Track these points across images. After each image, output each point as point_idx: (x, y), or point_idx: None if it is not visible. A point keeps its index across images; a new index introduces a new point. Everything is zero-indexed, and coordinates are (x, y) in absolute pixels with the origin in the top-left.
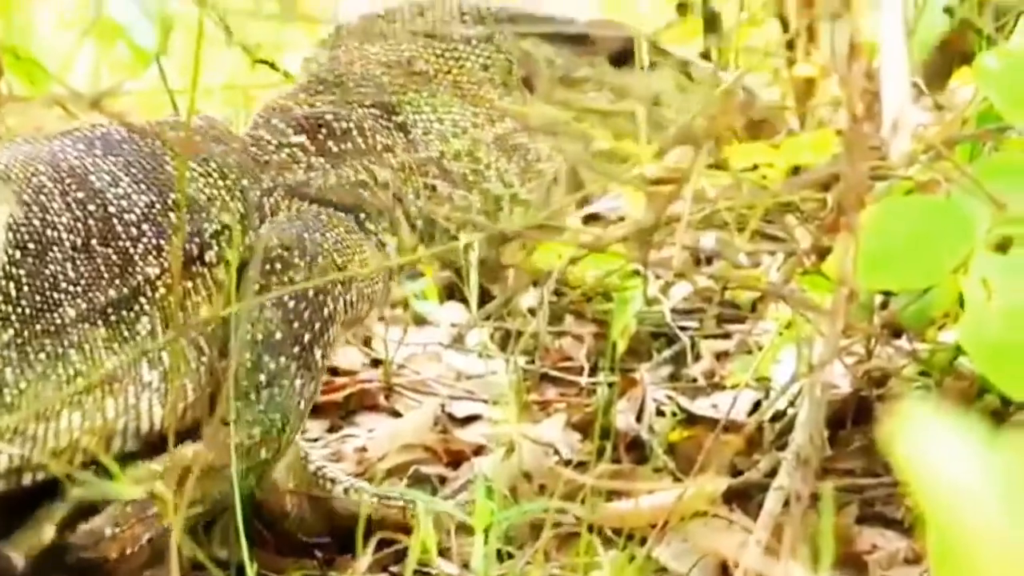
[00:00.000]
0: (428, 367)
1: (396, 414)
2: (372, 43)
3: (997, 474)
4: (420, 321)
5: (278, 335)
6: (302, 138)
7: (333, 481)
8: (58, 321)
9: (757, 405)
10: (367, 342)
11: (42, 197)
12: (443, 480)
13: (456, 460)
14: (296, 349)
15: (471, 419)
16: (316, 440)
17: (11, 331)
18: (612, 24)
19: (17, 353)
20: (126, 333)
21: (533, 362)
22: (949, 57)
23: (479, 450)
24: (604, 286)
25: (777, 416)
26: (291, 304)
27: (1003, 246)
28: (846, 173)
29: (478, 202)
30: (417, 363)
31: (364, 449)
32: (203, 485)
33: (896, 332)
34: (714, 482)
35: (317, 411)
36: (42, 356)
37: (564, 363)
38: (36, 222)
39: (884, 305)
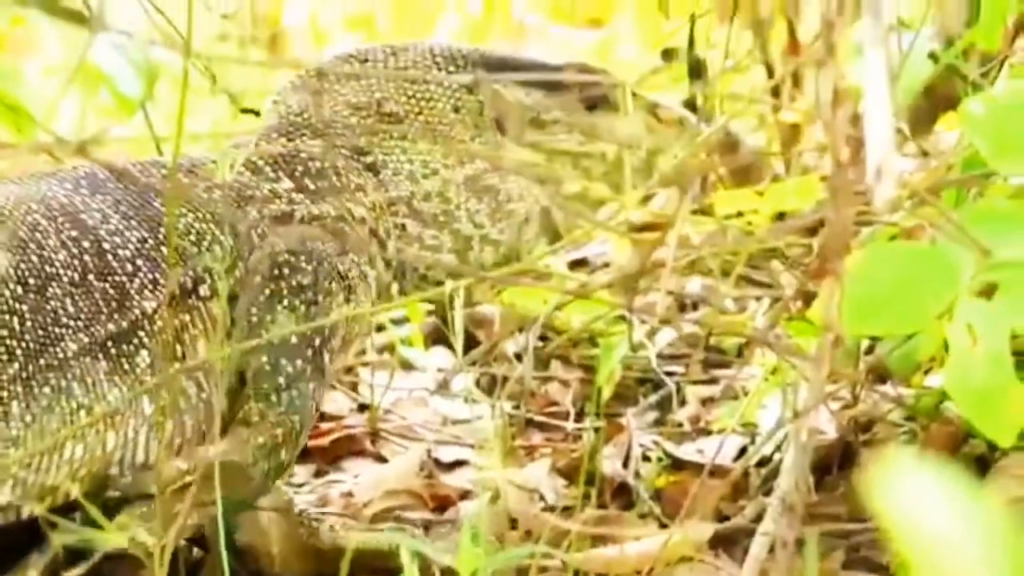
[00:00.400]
0: (414, 412)
1: (382, 459)
2: (342, 85)
3: (976, 523)
4: (406, 366)
5: (293, 339)
6: (281, 175)
7: (318, 522)
8: (60, 355)
9: (743, 451)
10: (354, 387)
11: (38, 235)
12: (429, 525)
13: (442, 505)
14: (309, 353)
15: (457, 464)
16: (302, 485)
17: (16, 365)
18: (584, 67)
19: (23, 387)
20: (126, 366)
21: (519, 407)
22: (934, 102)
23: (465, 495)
24: (590, 332)
25: (763, 461)
26: (302, 310)
27: (988, 292)
28: (831, 219)
29: (449, 242)
30: (403, 408)
31: (350, 494)
32: (229, 485)
33: (882, 377)
34: (700, 528)
35: (304, 456)
36: (47, 389)
37: (550, 408)
38: (34, 259)
39: (870, 350)
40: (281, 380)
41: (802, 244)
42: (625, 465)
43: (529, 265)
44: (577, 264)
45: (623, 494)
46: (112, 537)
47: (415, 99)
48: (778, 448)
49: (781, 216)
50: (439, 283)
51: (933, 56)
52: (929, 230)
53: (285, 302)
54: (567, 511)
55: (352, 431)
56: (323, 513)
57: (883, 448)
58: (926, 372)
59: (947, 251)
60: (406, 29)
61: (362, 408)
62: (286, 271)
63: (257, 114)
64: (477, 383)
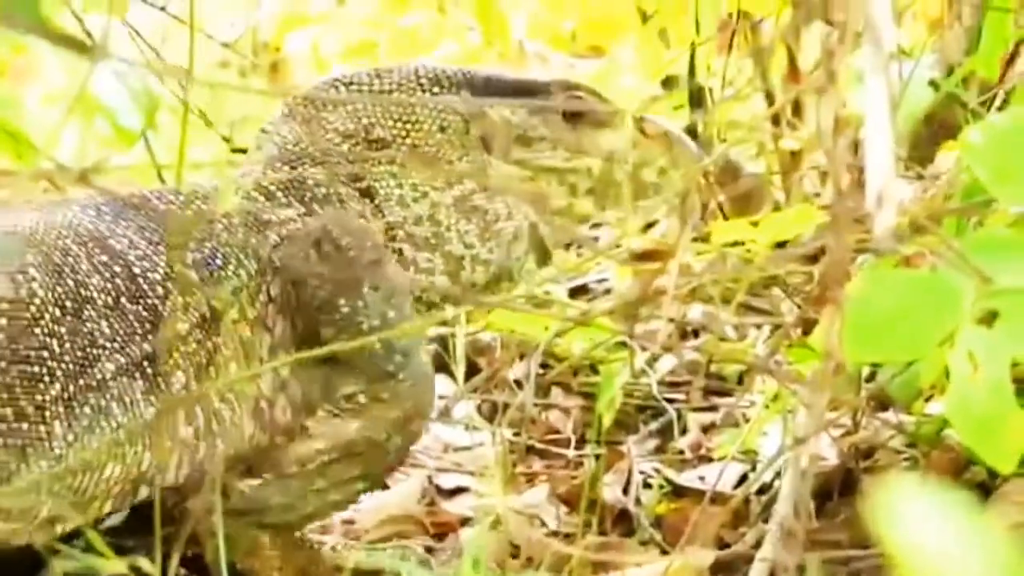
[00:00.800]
0: None
1: (383, 486)
2: (330, 112)
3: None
4: None
5: (391, 313)
6: (292, 201)
7: (319, 545)
8: (99, 376)
9: (744, 478)
10: None
11: (70, 259)
12: (430, 551)
13: (443, 532)
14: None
15: (458, 491)
16: None
17: (58, 386)
18: (568, 84)
19: (64, 407)
20: (162, 386)
21: (520, 434)
22: (935, 130)
23: (466, 522)
24: (591, 359)
25: (764, 489)
26: (383, 283)
27: (988, 320)
28: (831, 246)
29: (441, 264)
30: None
31: (351, 521)
32: (367, 462)
33: (883, 404)
34: (701, 555)
35: None
36: (87, 409)
37: (551, 436)
38: (70, 283)
39: (871, 377)
40: (398, 357)
41: (802, 272)
42: (626, 492)
43: (528, 291)
44: (578, 291)
45: (624, 521)
46: (113, 563)
47: (401, 122)
48: (779, 475)
49: (782, 244)
50: (431, 305)
51: (933, 84)
52: (930, 257)
53: (368, 287)
54: (568, 538)
55: None
56: (324, 539)
57: (884, 475)
58: (927, 399)
59: (948, 278)
60: (406, 57)
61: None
62: (327, 248)
63: (244, 151)
64: (478, 410)
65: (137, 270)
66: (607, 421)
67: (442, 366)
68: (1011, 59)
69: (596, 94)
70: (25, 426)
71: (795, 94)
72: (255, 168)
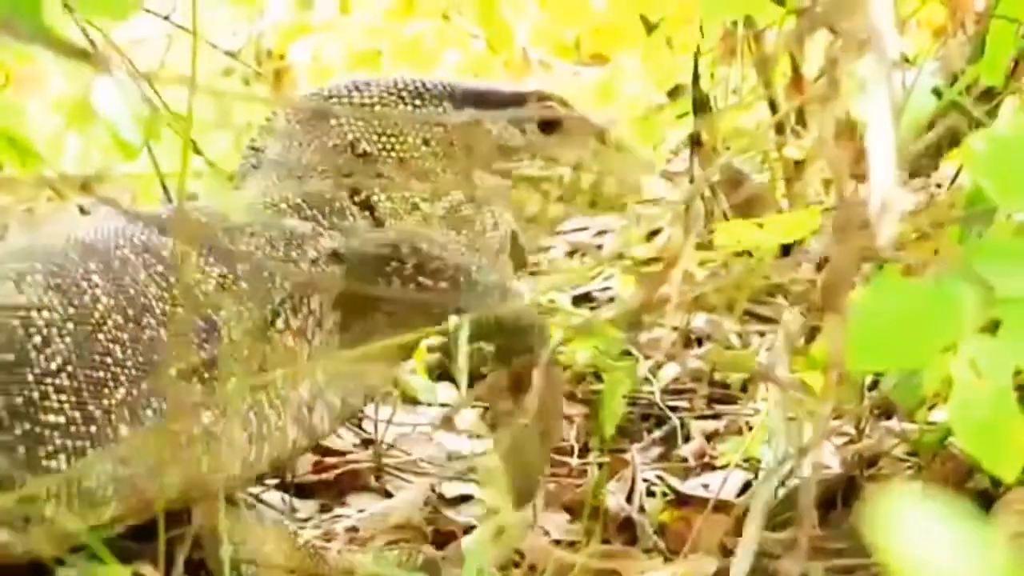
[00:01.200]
0: (419, 447)
1: (387, 494)
2: (317, 126)
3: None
4: (410, 401)
5: (474, 272)
6: (316, 214)
7: (324, 547)
8: (160, 381)
9: (747, 486)
10: (358, 423)
11: (130, 268)
12: (433, 559)
13: (447, 540)
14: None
15: (462, 499)
16: (308, 520)
17: (122, 390)
18: (542, 94)
19: (128, 410)
20: (218, 392)
21: None
22: (938, 138)
23: (469, 530)
24: (594, 367)
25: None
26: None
27: (991, 328)
28: (834, 255)
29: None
30: (407, 443)
31: (355, 529)
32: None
33: (887, 413)
34: (704, 563)
35: (308, 491)
36: (149, 413)
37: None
38: (131, 291)
39: (874, 385)
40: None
41: (806, 280)
42: (629, 500)
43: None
44: (582, 299)
45: (627, 529)
46: (115, 571)
47: (386, 136)
48: (782, 483)
49: (785, 252)
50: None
51: (937, 92)
52: (933, 266)
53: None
54: (572, 546)
55: (357, 466)
56: (328, 546)
57: (887, 483)
58: (931, 407)
59: (951, 287)
60: (410, 65)
61: (366, 443)
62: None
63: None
64: (482, 418)
65: (190, 280)
66: (610, 429)
67: (445, 374)
68: (1015, 67)
69: (565, 103)
70: (93, 429)
71: (799, 102)
72: (261, 181)
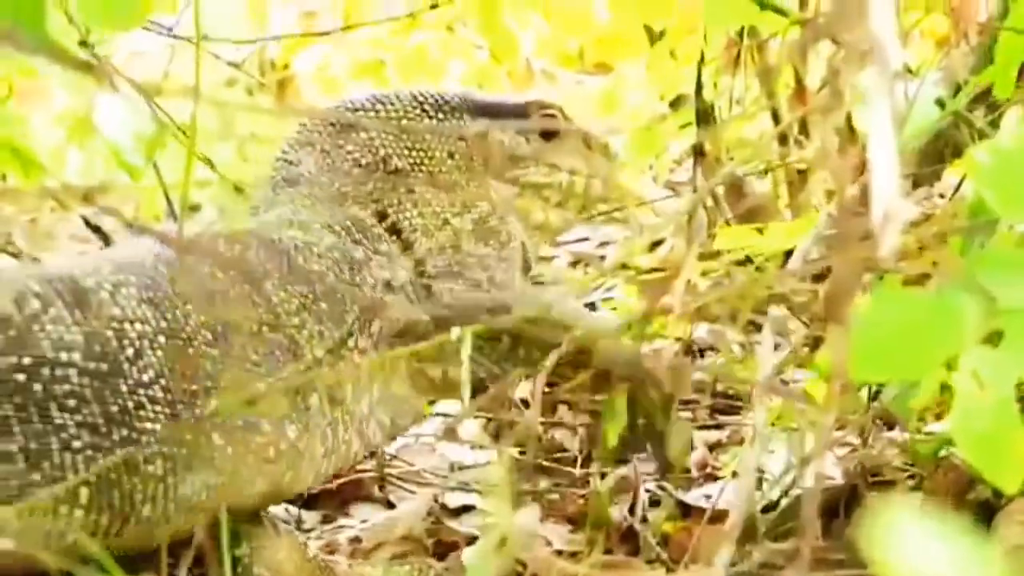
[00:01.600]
0: (422, 458)
1: (390, 505)
2: (348, 139)
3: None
4: None
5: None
6: (361, 239)
7: (332, 561)
8: (249, 395)
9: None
10: None
11: (219, 286)
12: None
13: (449, 551)
14: None
15: (465, 510)
16: (311, 530)
17: (214, 402)
18: (542, 103)
19: (222, 421)
20: (302, 406)
21: (525, 453)
22: (941, 149)
23: (472, 541)
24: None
25: (770, 507)
26: None
27: (993, 339)
28: (837, 265)
29: (462, 291)
30: (411, 454)
31: (358, 540)
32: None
33: (889, 423)
34: (707, 573)
35: (312, 502)
36: (240, 423)
37: (557, 454)
38: (220, 308)
39: (876, 396)
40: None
41: (809, 290)
42: (632, 511)
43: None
44: (585, 308)
45: (630, 539)
46: None
47: (416, 150)
48: (785, 493)
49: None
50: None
51: (940, 102)
52: (935, 277)
53: None
54: (574, 556)
55: (360, 477)
56: (331, 558)
57: (889, 493)
58: (933, 418)
59: (953, 298)
60: (414, 76)
61: (370, 454)
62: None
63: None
64: (484, 428)
65: (275, 300)
66: (614, 439)
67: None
68: (1018, 77)
69: (563, 112)
70: (188, 436)
71: (802, 113)
72: (299, 199)
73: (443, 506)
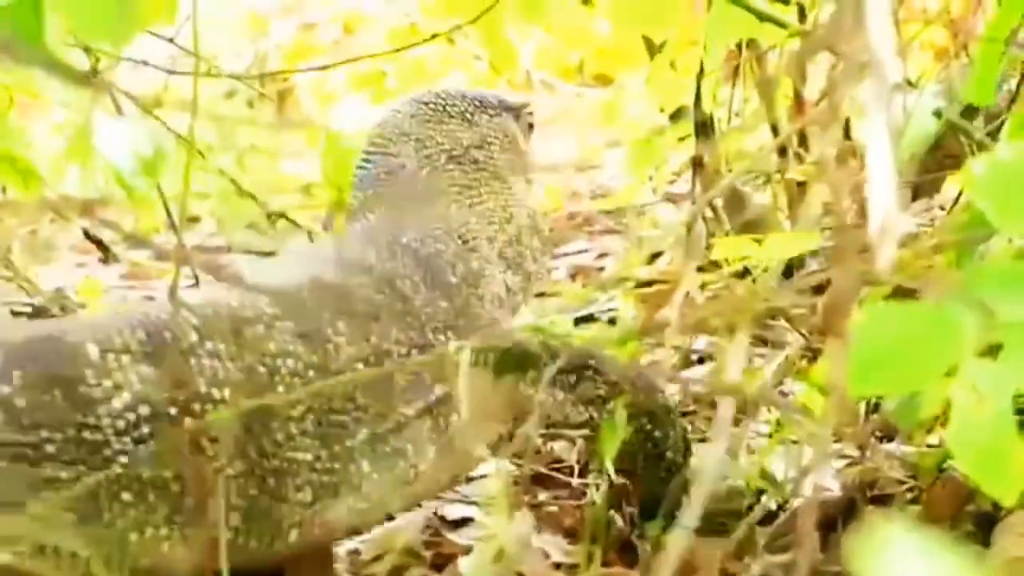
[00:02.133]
0: None
1: (388, 517)
2: (435, 131)
3: None
4: None
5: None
6: (472, 244)
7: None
8: (397, 420)
9: (749, 508)
10: None
11: (372, 309)
12: None
13: (448, 563)
14: None
15: (463, 522)
16: None
17: (364, 431)
18: (525, 103)
19: (370, 449)
20: (442, 425)
21: (524, 464)
22: (940, 160)
23: (471, 552)
24: None
25: (768, 519)
26: None
27: (991, 352)
28: (835, 278)
29: (520, 283)
30: None
31: (357, 552)
32: None
33: (888, 436)
34: None
35: None
36: (387, 450)
37: (555, 465)
38: (374, 339)
39: (875, 408)
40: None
41: (807, 303)
42: (630, 522)
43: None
44: (584, 320)
45: (628, 551)
46: None
47: (486, 144)
48: (783, 506)
49: (788, 275)
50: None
51: (938, 114)
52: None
53: None
54: (572, 569)
55: None
56: None
57: (888, 506)
58: (933, 429)
59: (950, 311)
60: (414, 87)
61: None
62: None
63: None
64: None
65: (424, 318)
66: (612, 451)
67: None
68: (1017, 90)
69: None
70: (337, 465)
71: (801, 125)
72: (404, 199)
73: (442, 518)
